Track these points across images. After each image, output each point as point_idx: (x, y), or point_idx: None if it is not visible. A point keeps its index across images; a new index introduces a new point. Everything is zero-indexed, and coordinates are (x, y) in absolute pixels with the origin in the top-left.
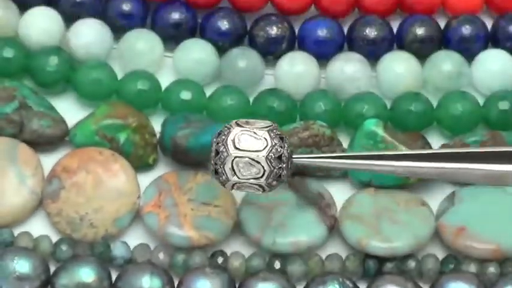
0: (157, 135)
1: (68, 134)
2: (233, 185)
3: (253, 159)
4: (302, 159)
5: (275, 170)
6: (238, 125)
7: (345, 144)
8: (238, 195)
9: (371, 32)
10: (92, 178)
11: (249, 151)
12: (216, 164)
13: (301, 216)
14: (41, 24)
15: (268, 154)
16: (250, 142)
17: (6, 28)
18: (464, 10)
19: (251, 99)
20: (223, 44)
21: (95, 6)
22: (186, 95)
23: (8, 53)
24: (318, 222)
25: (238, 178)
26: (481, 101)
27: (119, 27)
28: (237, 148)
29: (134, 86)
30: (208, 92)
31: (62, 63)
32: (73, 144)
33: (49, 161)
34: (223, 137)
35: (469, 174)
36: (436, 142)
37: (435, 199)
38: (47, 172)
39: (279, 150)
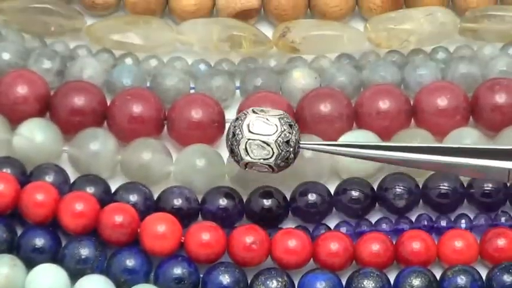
0: None
1: None
2: (246, 164)
3: (264, 142)
4: (309, 145)
5: (283, 152)
6: (254, 112)
7: None
8: None
9: (369, 284)
10: None
11: (261, 135)
12: (232, 144)
13: None
14: (46, 282)
15: (277, 138)
16: (262, 127)
17: (13, 285)
18: (460, 261)
19: None
20: None
21: (100, 262)
22: None
23: None
24: None
25: (251, 158)
26: None
27: (123, 282)
28: (250, 132)
29: None
30: None
31: None
32: None
33: None
34: (240, 121)
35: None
36: None
37: None
38: None
39: (287, 135)
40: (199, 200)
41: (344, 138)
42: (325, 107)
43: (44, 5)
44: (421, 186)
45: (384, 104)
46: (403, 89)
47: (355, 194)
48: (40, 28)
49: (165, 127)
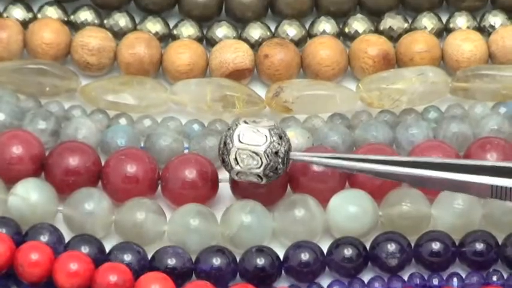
0: None
1: None
2: (237, 173)
3: (253, 152)
4: (298, 156)
5: (271, 162)
6: (245, 122)
7: None
8: None
9: None
10: None
11: (251, 145)
12: (223, 153)
13: None
14: None
15: (266, 149)
16: (252, 137)
17: None
18: None
19: None
20: None
21: None
22: None
23: None
24: None
25: (240, 167)
26: None
27: None
28: (240, 142)
29: None
30: None
31: None
32: None
33: None
34: (231, 131)
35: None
36: None
37: None
38: None
39: (276, 146)
40: (193, 260)
41: (336, 198)
42: (317, 167)
43: (39, 65)
44: (413, 245)
45: None
46: (395, 148)
47: (347, 253)
48: (35, 88)
49: (159, 187)
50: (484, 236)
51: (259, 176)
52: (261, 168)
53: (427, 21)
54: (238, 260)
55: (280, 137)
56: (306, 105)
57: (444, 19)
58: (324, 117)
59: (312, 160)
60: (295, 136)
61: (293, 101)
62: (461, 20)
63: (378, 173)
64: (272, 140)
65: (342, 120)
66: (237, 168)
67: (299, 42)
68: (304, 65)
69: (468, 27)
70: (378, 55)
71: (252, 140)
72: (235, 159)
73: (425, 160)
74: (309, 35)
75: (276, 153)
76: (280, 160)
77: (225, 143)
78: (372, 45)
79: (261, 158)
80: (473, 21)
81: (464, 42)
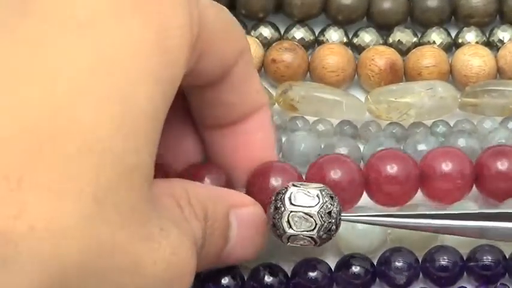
0: None
1: None
2: (288, 237)
3: (306, 214)
4: (349, 216)
5: (325, 223)
6: (294, 185)
7: None
8: None
9: None
10: None
11: (303, 206)
12: (274, 218)
13: None
14: None
15: (319, 209)
16: (304, 199)
17: None
18: None
19: None
20: None
21: None
22: None
23: None
24: None
25: (294, 230)
26: None
27: None
28: (292, 204)
29: None
30: None
31: None
32: None
33: None
34: (281, 195)
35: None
36: None
37: None
38: None
39: (329, 206)
40: (201, 277)
41: None
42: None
43: None
44: (420, 260)
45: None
46: None
47: (355, 269)
48: None
49: None
50: (492, 250)
51: (312, 238)
52: (315, 230)
53: (436, 36)
54: (246, 277)
55: (331, 197)
56: (311, 106)
57: (453, 34)
58: (332, 121)
59: (364, 220)
60: (303, 141)
61: (299, 100)
62: (470, 35)
63: (433, 228)
64: (324, 201)
65: (350, 127)
66: (290, 231)
67: (306, 47)
68: (311, 69)
69: (477, 42)
70: (385, 63)
71: (304, 202)
72: (288, 222)
73: (478, 211)
74: (317, 41)
75: (329, 213)
76: (333, 221)
77: (275, 207)
78: (379, 54)
79: (314, 220)
80: (482, 36)
81: (473, 57)
